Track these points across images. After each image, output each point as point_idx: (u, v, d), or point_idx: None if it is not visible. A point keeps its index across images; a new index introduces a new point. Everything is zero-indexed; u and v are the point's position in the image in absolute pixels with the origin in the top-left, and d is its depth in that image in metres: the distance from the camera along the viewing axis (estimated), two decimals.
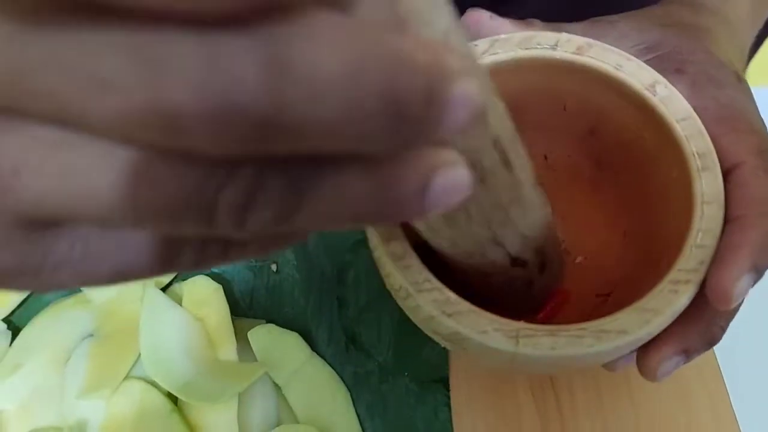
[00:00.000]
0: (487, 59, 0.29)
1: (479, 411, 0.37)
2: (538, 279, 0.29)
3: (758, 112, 0.30)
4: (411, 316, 0.27)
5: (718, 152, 0.27)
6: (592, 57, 0.29)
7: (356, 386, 0.37)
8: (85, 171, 0.11)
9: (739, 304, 0.26)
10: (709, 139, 0.27)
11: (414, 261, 0.25)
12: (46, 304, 0.39)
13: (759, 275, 0.25)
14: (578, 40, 0.29)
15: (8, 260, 0.12)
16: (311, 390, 0.36)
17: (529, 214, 0.25)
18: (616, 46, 0.29)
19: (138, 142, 0.11)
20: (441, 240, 0.24)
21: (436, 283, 0.25)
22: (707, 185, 0.26)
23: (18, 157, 0.11)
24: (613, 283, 0.32)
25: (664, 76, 0.28)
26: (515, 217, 0.24)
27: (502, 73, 0.29)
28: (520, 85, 0.29)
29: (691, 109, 0.28)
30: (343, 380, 0.37)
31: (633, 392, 0.38)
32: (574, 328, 0.24)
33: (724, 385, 0.38)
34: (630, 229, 0.33)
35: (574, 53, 0.29)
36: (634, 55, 0.29)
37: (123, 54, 0.10)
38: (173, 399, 0.34)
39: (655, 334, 0.25)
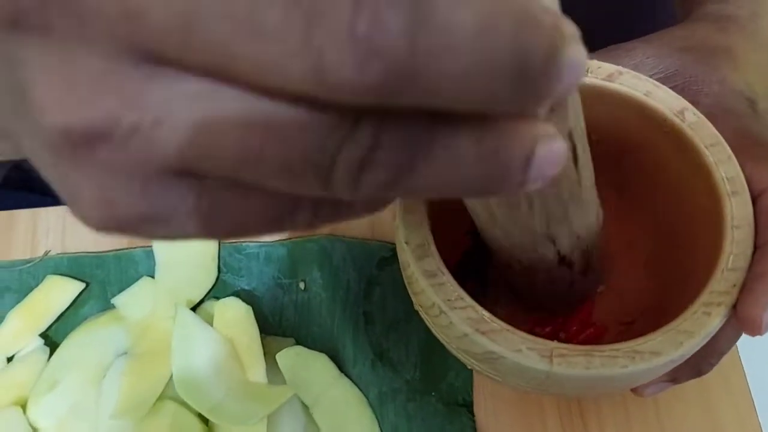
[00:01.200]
0: None
1: None
2: (580, 281, 0.30)
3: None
4: (442, 335, 0.27)
5: None
6: (622, 84, 0.29)
7: (381, 406, 0.38)
8: (221, 124, 0.12)
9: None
10: (737, 164, 0.27)
11: (447, 278, 0.26)
12: (83, 320, 0.40)
13: None
14: (609, 67, 0.29)
15: (143, 207, 0.13)
16: (338, 411, 0.37)
17: (585, 214, 0.25)
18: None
19: (279, 91, 0.11)
20: (497, 230, 0.25)
21: (470, 300, 0.25)
22: (737, 209, 0.27)
23: (161, 109, 0.12)
24: (635, 312, 0.33)
25: None
26: (572, 214, 0.24)
27: None
28: None
29: (719, 135, 0.28)
30: (368, 400, 0.38)
31: (661, 415, 0.37)
32: (608, 349, 0.25)
33: (754, 406, 0.37)
34: (652, 258, 0.33)
35: (604, 79, 0.29)
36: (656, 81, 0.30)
37: (282, 4, 0.11)
38: (204, 420, 0.35)
39: (688, 356, 0.26)
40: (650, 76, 0.31)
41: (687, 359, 0.26)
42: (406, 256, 0.27)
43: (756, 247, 0.26)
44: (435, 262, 0.26)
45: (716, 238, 0.27)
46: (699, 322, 0.25)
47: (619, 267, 0.34)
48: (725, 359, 0.30)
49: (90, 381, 0.36)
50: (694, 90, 0.30)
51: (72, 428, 0.35)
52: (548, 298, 0.32)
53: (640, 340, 0.25)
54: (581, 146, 0.22)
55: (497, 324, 0.25)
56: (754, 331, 0.25)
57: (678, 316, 0.26)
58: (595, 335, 0.33)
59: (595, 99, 0.29)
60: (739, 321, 0.25)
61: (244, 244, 0.42)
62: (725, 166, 0.27)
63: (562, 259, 0.27)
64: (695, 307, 0.25)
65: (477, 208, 0.24)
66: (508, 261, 0.28)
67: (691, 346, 0.25)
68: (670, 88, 0.30)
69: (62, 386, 0.36)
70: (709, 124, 0.28)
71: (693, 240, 0.30)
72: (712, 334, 0.25)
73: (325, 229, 0.42)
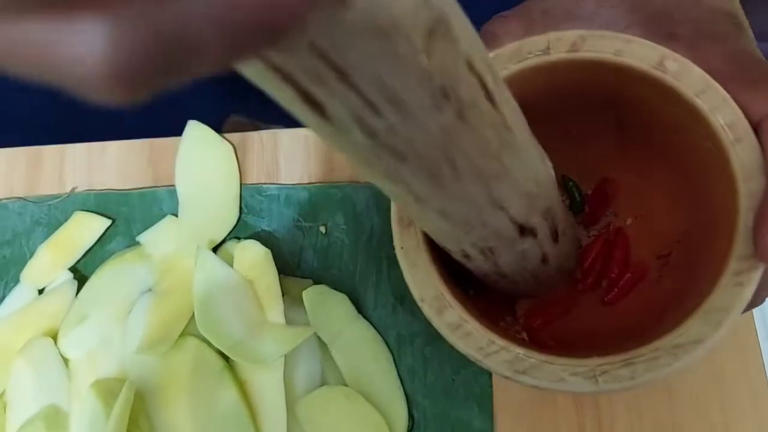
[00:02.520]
0: None
1: None
2: (553, 251, 0.28)
3: (760, 53, 0.27)
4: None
5: (741, 111, 0.25)
6: (588, 50, 0.26)
7: (399, 349, 0.39)
8: None
9: None
10: (735, 106, 0.25)
11: (472, 325, 0.25)
12: (109, 255, 0.41)
13: None
14: (569, 36, 0.27)
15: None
16: (356, 349, 0.38)
17: (526, 163, 0.22)
18: (597, 10, 0.27)
19: None
20: (430, 213, 0.22)
21: (501, 341, 0.25)
22: (745, 158, 0.25)
23: None
24: (671, 242, 0.31)
25: (659, 44, 0.26)
26: (511, 166, 0.21)
27: None
28: (524, 100, 0.25)
29: (708, 78, 0.25)
30: (387, 343, 0.39)
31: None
32: (647, 351, 0.24)
33: None
34: (673, 189, 0.31)
35: (569, 51, 0.27)
36: (620, 17, 0.27)
37: None
38: (225, 357, 0.36)
39: (730, 330, 0.24)
40: (613, 22, 0.28)
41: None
42: (426, 313, 0.26)
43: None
44: (456, 312, 0.25)
45: (729, 191, 0.25)
46: (733, 295, 0.24)
47: (641, 198, 0.32)
48: (743, 343, 0.29)
49: (117, 316, 0.38)
50: (667, 21, 0.28)
51: (100, 361, 0.37)
52: (528, 284, 0.30)
53: (680, 330, 0.24)
54: (493, 80, 0.19)
55: (534, 358, 0.24)
56: None
57: (713, 247, 0.25)
58: (636, 278, 0.32)
59: (567, 72, 0.27)
60: (758, 253, 0.23)
61: (265, 185, 0.42)
62: (722, 112, 0.25)
63: (522, 229, 0.24)
64: (725, 279, 0.24)
65: (399, 194, 0.21)
66: (461, 251, 0.25)
67: (731, 321, 0.24)
68: (643, 21, 0.28)
69: (91, 320, 0.37)
70: (695, 68, 0.26)
71: (708, 181, 0.28)
72: (747, 302, 0.24)
73: (346, 174, 0.42)
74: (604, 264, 0.32)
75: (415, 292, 0.26)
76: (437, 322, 0.26)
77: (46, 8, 0.09)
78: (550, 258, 0.28)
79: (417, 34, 0.15)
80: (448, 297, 0.26)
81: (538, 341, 0.32)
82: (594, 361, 0.24)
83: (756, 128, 0.25)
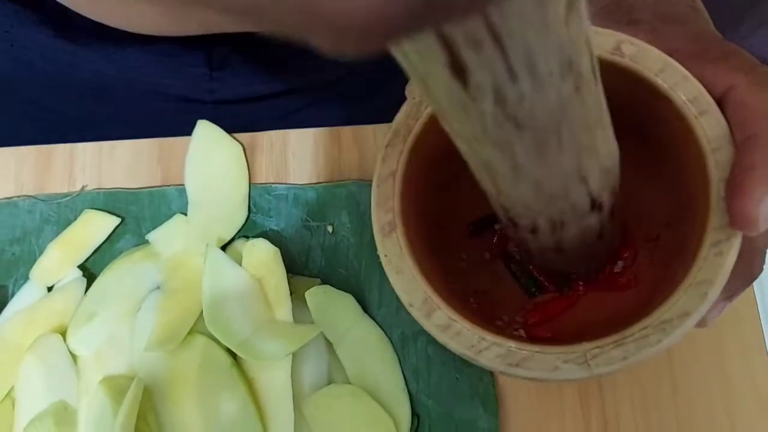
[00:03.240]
0: None
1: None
2: (608, 227, 0.28)
3: (718, 33, 0.28)
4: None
5: (704, 87, 0.25)
6: None
7: (403, 348, 0.39)
8: None
9: None
10: (696, 82, 0.25)
11: (462, 324, 0.25)
12: (118, 253, 0.41)
13: None
14: None
15: None
16: (361, 349, 0.38)
17: (608, 139, 0.24)
18: None
19: None
20: (522, 185, 0.23)
21: (492, 338, 0.25)
22: (710, 130, 0.25)
23: None
24: (657, 226, 0.32)
25: (619, 31, 0.26)
26: (600, 142, 0.22)
27: None
28: None
29: (667, 57, 0.26)
30: (391, 343, 0.39)
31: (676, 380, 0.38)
32: (636, 330, 0.24)
33: None
34: (652, 172, 0.31)
35: None
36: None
37: None
38: (233, 354, 0.37)
39: (716, 300, 0.25)
40: None
41: (734, 271, 0.25)
42: (415, 317, 0.26)
43: (736, 147, 0.25)
44: (444, 313, 0.26)
45: (700, 165, 0.25)
46: (714, 266, 0.24)
47: (623, 180, 0.32)
48: (748, 339, 0.29)
49: (125, 314, 0.38)
50: (626, 8, 0.28)
51: (109, 358, 0.37)
52: (576, 259, 0.30)
53: (666, 306, 0.24)
54: (595, 57, 0.20)
55: (526, 350, 0.25)
56: (753, 229, 0.23)
57: (693, 223, 0.25)
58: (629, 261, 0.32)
59: None
60: (733, 221, 0.24)
61: (273, 185, 0.42)
62: (683, 88, 0.25)
63: (594, 202, 0.25)
64: (705, 251, 0.24)
65: (497, 164, 0.22)
66: (533, 225, 0.26)
67: (716, 291, 0.24)
68: (600, 12, 0.28)
69: (99, 318, 0.38)
70: (652, 49, 0.26)
71: (681, 157, 0.28)
72: (730, 270, 0.24)
73: (354, 174, 0.42)
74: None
75: (404, 298, 0.27)
76: (427, 325, 0.26)
77: None
78: (606, 234, 0.28)
79: (561, 5, 0.16)
80: (436, 299, 0.26)
81: (535, 337, 0.32)
82: (585, 346, 0.24)
83: (720, 102, 0.25)
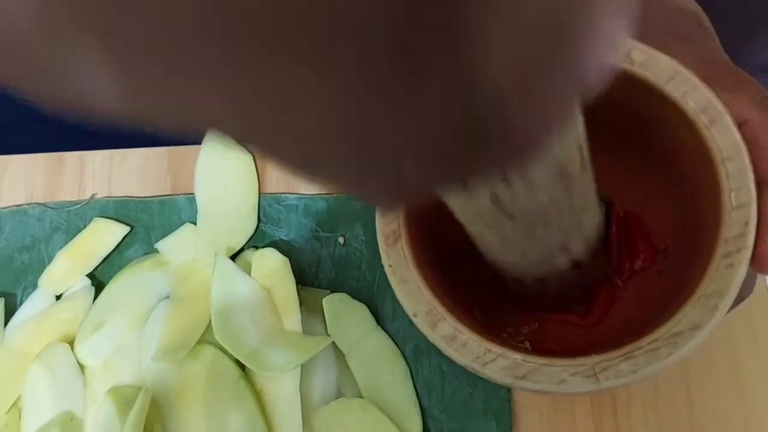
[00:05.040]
0: None
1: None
2: (589, 272, 0.29)
3: (725, 54, 0.27)
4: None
5: None
6: None
7: (416, 361, 0.38)
8: None
9: None
10: (706, 89, 0.25)
11: (467, 336, 0.25)
12: (127, 262, 0.41)
13: None
14: None
15: None
16: (373, 360, 0.38)
17: (593, 213, 0.24)
18: None
19: None
20: (510, 255, 0.24)
21: (498, 349, 0.24)
22: (722, 139, 0.24)
23: None
24: (665, 237, 0.31)
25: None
26: (585, 220, 0.23)
27: None
28: None
29: (677, 65, 0.25)
30: (404, 356, 0.38)
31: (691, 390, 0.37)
32: (646, 343, 0.23)
33: None
34: (660, 182, 0.31)
35: None
36: None
37: None
38: (241, 365, 0.36)
39: (726, 313, 0.24)
40: None
41: None
42: (420, 327, 0.26)
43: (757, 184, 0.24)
44: (449, 324, 0.25)
45: (710, 175, 0.25)
46: (726, 278, 0.23)
47: (630, 191, 0.32)
48: (762, 341, 0.29)
49: (133, 323, 0.38)
50: (635, 21, 0.28)
51: (116, 368, 0.36)
52: (560, 299, 0.31)
53: (676, 318, 0.24)
54: (586, 148, 0.20)
55: (533, 362, 0.24)
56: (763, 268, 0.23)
57: (703, 234, 0.25)
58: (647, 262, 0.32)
59: None
60: (758, 269, 0.23)
61: (283, 195, 0.42)
62: (693, 97, 0.25)
63: (575, 263, 0.26)
64: (716, 262, 0.24)
65: (488, 236, 0.23)
66: (518, 278, 0.27)
67: (726, 304, 0.23)
68: None
69: (107, 327, 0.37)
70: (663, 56, 0.25)
71: (690, 167, 0.27)
72: (740, 283, 0.24)
73: None
74: (628, 249, 0.32)
75: (408, 308, 0.26)
76: (432, 336, 0.26)
77: None
78: (588, 275, 0.29)
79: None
80: (440, 310, 0.26)
81: (542, 349, 0.32)
82: (593, 359, 0.24)
83: None
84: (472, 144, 0.12)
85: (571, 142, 0.19)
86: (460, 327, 0.25)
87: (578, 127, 0.19)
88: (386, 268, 0.27)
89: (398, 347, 0.38)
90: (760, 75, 0.31)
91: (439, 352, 0.38)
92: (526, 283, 0.28)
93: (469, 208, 0.21)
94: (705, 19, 0.29)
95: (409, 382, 0.38)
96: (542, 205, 0.20)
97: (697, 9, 0.29)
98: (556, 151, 0.18)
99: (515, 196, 0.19)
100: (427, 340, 0.38)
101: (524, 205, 0.20)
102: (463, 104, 0.11)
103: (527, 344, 0.32)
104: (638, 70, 0.25)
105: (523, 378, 0.24)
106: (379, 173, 0.13)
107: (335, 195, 0.42)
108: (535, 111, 0.12)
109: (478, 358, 0.25)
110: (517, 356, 0.24)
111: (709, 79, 0.25)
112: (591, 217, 0.24)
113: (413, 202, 0.13)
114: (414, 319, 0.26)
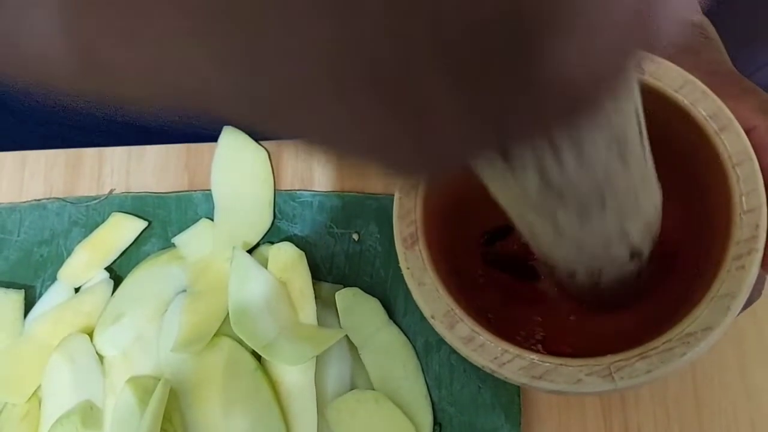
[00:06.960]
0: None
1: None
2: (647, 268, 0.28)
3: (731, 63, 0.28)
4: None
5: None
6: None
7: (427, 356, 0.39)
8: None
9: None
10: (715, 97, 0.26)
11: (485, 337, 0.25)
12: (145, 256, 0.42)
13: None
14: None
15: None
16: (385, 354, 0.38)
17: (652, 194, 0.23)
18: None
19: None
20: (564, 246, 0.23)
21: (515, 350, 0.25)
22: (731, 145, 0.25)
23: None
24: (674, 242, 0.31)
25: None
26: (643, 201, 0.23)
27: None
28: None
29: (686, 73, 0.26)
30: (415, 350, 0.39)
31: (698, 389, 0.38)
32: (660, 343, 0.24)
33: None
34: (670, 188, 0.30)
35: None
36: None
37: None
38: (257, 356, 0.37)
39: (739, 312, 0.25)
40: None
41: None
42: (437, 329, 0.26)
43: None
44: (467, 325, 0.26)
45: (721, 179, 0.25)
46: (737, 279, 0.24)
47: None
48: None
49: (152, 316, 0.38)
50: None
51: (135, 359, 0.37)
52: (613, 296, 0.30)
53: (689, 318, 0.24)
54: (643, 121, 0.20)
55: (549, 362, 0.25)
56: None
57: (714, 237, 0.25)
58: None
59: None
60: (766, 269, 0.24)
61: (298, 192, 0.43)
62: (703, 104, 0.26)
63: (633, 254, 0.25)
64: (727, 264, 0.24)
65: (537, 225, 0.22)
66: (569, 273, 0.26)
67: (738, 305, 0.24)
68: None
69: (126, 319, 0.38)
70: (671, 65, 0.26)
71: (699, 172, 0.28)
72: (752, 285, 0.24)
73: (378, 184, 0.42)
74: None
75: (426, 310, 0.27)
76: (450, 337, 0.26)
77: None
78: (643, 273, 0.28)
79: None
80: (458, 311, 0.26)
81: (555, 351, 0.32)
82: (609, 359, 0.24)
83: None
84: (517, 87, 0.10)
85: (629, 111, 0.18)
86: (478, 328, 0.26)
87: (636, 96, 0.18)
88: (404, 271, 0.27)
89: (410, 341, 0.39)
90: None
91: (449, 347, 0.39)
92: (578, 277, 0.27)
93: (512, 187, 0.19)
94: (711, 31, 0.30)
95: (421, 376, 0.38)
96: (596, 180, 0.19)
97: (704, 20, 0.30)
98: (612, 119, 0.17)
99: (566, 171, 0.18)
100: (437, 336, 0.39)
101: (576, 182, 0.19)
102: (508, 37, 0.09)
103: (540, 347, 0.32)
104: (649, 78, 0.26)
105: (539, 378, 0.25)
106: (416, 131, 0.11)
107: (353, 194, 0.42)
108: (595, 53, 0.10)
109: (495, 358, 0.25)
110: (534, 357, 0.25)
111: (715, 88, 0.26)
112: (650, 198, 0.23)
113: (444, 175, 0.12)
114: (432, 321, 0.26)
